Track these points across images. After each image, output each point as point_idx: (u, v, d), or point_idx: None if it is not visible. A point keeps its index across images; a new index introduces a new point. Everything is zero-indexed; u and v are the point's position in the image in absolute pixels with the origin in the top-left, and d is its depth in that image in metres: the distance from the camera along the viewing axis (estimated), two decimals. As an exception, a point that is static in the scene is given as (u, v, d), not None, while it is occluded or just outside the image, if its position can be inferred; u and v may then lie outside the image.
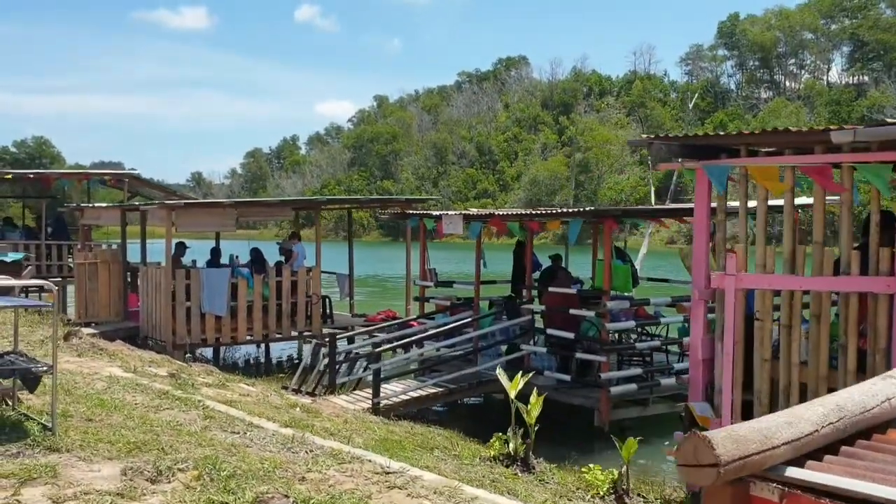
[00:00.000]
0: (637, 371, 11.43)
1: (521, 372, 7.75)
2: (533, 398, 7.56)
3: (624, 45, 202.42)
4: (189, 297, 14.70)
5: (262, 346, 17.90)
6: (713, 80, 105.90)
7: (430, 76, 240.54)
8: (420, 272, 14.45)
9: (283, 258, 16.50)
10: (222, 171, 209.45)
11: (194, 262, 16.81)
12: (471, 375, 12.12)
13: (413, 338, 12.31)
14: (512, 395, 7.40)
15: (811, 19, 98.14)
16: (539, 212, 11.58)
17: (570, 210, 11.36)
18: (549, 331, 11.93)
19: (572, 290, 12.27)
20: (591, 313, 12.05)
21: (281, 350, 18.45)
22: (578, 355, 11.63)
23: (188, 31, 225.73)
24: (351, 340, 17.50)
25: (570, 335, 11.65)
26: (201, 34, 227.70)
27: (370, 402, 11.25)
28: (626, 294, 11.47)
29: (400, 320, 16.85)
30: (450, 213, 13.12)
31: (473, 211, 13.18)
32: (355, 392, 12.04)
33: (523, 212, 11.84)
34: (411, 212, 14.46)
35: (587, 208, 11.10)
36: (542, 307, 12.43)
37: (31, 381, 5.91)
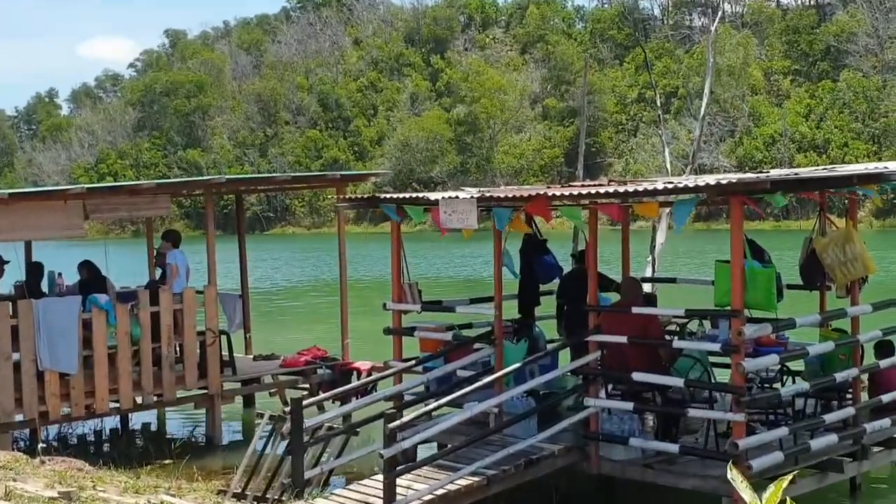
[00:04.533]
0: (783, 431, 10.16)
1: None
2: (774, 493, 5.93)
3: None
4: (15, 347, 12.43)
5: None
6: (631, 5, 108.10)
7: (246, 4, 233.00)
8: (393, 290, 12.64)
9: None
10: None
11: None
12: (516, 456, 10.54)
13: (433, 402, 10.55)
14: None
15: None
16: (622, 188, 10.03)
17: (679, 185, 9.89)
18: (638, 376, 10.46)
19: (669, 311, 10.88)
20: (701, 345, 10.75)
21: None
22: (694, 413, 10.25)
23: None
24: (250, 401, 15.79)
25: (678, 381, 10.26)
26: None
27: (374, 508, 9.53)
28: (770, 313, 10.12)
29: (339, 363, 15.34)
30: (456, 194, 11.39)
31: (497, 192, 11.51)
32: (335, 493, 10.30)
33: (594, 188, 10.26)
34: (384, 196, 12.71)
35: (706, 181, 9.68)
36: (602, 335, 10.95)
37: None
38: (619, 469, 10.75)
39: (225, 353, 14.92)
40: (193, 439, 14.95)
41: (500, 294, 11.85)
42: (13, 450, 11.77)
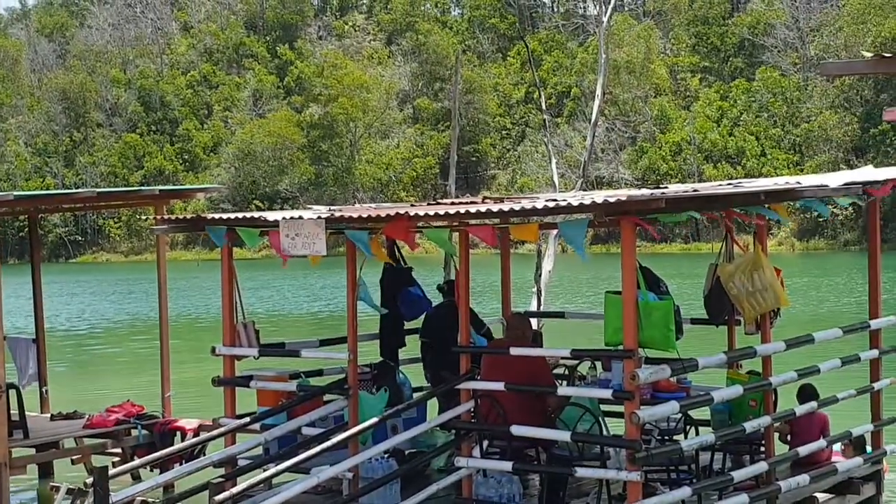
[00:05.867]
0: (686, 492, 10.39)
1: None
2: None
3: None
4: None
5: None
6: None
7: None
8: (224, 331, 12.56)
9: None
10: None
11: None
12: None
13: (273, 467, 10.50)
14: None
15: None
16: (495, 207, 10.15)
17: (560, 203, 10.08)
18: (517, 429, 10.60)
19: (554, 352, 11.04)
20: (590, 392, 10.95)
21: None
22: (583, 473, 10.42)
23: None
24: (48, 471, 15.35)
25: (564, 435, 10.45)
26: None
27: None
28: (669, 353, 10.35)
29: (158, 421, 15.17)
30: (300, 214, 11.37)
31: (349, 212, 11.55)
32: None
33: (462, 207, 10.37)
34: (211, 216, 12.59)
35: (593, 198, 9.83)
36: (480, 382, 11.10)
37: None
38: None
39: (14, 411, 14.59)
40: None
41: (354, 334, 11.82)
42: None
